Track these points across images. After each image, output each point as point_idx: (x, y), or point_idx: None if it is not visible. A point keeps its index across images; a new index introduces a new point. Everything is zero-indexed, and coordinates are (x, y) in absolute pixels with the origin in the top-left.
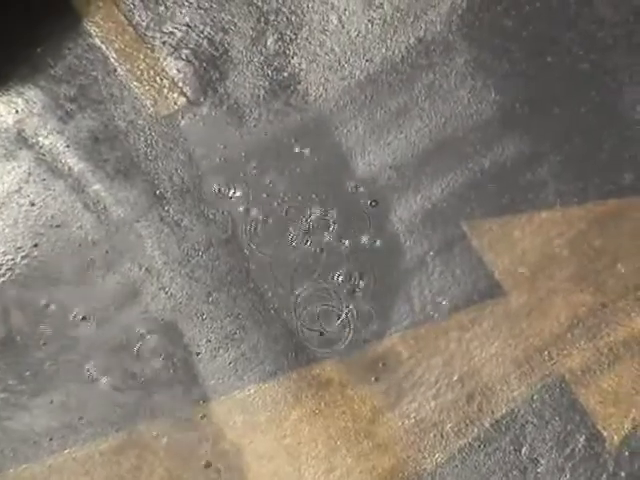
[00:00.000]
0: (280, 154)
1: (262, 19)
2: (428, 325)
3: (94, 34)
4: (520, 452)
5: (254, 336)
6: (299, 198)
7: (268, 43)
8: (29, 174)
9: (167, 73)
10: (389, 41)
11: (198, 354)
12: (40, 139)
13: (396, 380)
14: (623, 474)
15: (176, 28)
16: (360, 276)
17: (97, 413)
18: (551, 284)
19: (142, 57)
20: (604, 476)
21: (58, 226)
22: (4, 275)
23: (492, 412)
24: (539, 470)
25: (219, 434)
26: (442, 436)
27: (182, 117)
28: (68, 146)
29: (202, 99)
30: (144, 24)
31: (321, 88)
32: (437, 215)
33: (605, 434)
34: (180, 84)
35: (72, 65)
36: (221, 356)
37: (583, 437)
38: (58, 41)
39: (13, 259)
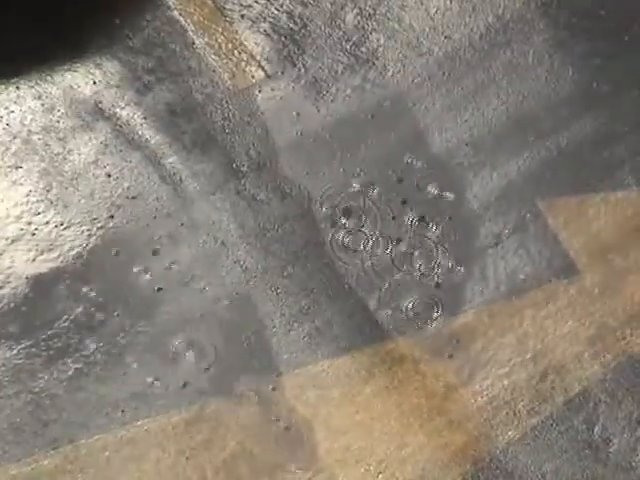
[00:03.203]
0: (356, 129)
1: None
2: (502, 303)
3: (173, 6)
4: (592, 431)
5: (328, 311)
6: (375, 174)
7: (347, 18)
8: (106, 146)
9: (245, 46)
10: (468, 18)
11: (272, 328)
12: (117, 111)
13: (470, 357)
14: None
15: (255, 1)
16: (436, 253)
17: (169, 386)
18: (626, 263)
19: (220, 30)
20: None
21: (134, 198)
22: (80, 246)
23: (565, 391)
24: (611, 450)
25: (291, 408)
26: (515, 414)
27: (259, 91)
28: (145, 118)
29: (280, 73)
30: None
31: (399, 64)
32: (513, 193)
33: None
34: (258, 58)
35: (150, 37)
36: (295, 330)
37: None
38: (136, 12)
39: (89, 230)
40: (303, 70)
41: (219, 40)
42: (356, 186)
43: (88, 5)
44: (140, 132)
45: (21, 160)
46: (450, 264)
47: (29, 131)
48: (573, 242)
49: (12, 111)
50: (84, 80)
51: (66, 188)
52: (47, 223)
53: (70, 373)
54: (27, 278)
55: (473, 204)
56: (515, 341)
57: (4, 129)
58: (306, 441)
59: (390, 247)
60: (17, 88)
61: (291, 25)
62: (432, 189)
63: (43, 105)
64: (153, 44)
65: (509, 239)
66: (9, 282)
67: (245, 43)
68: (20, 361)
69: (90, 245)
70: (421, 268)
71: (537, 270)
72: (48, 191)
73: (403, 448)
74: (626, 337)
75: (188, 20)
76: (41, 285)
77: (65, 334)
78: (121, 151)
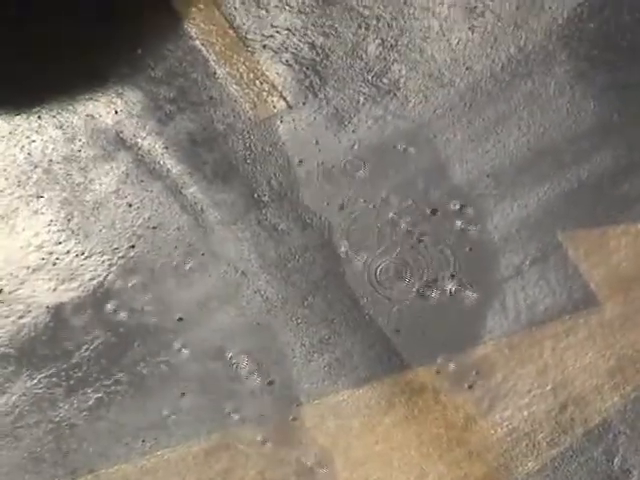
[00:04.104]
0: (378, 160)
1: (363, 25)
2: (522, 334)
3: (195, 36)
4: (612, 462)
5: (348, 341)
6: (396, 204)
7: (369, 49)
8: (127, 175)
9: (267, 77)
10: (489, 49)
11: (292, 358)
12: (139, 140)
13: (489, 388)
14: None
15: (277, 32)
16: (455, 283)
17: (189, 415)
18: None
19: (242, 60)
20: None
21: (155, 227)
22: (101, 275)
23: (585, 422)
24: None
25: (311, 438)
26: (534, 445)
27: (281, 121)
28: (166, 148)
29: (301, 103)
30: (245, 27)
31: (421, 95)
32: (533, 224)
33: None
34: (280, 88)
35: (172, 67)
36: (315, 360)
37: None
38: (159, 42)
39: (110, 260)
40: (325, 101)
41: (241, 70)
42: (376, 217)
43: (110, 35)
44: (161, 162)
45: (42, 189)
46: (470, 295)
47: (50, 160)
48: (594, 274)
49: (33, 140)
50: (106, 110)
51: (87, 218)
52: (68, 252)
53: (90, 403)
54: (48, 307)
55: (494, 235)
56: (535, 372)
57: (25, 158)
58: (326, 471)
59: (410, 277)
60: (39, 117)
61: (313, 56)
62: (453, 220)
63: (64, 134)
64: (175, 74)
65: (529, 270)
66: (30, 311)
67: (267, 73)
68: (40, 390)
69: (111, 275)
70: (441, 298)
71: (557, 301)
72: (69, 220)
73: (423, 478)
74: None
75: (210, 50)
76: (62, 314)
77: (86, 364)
78: (142, 181)
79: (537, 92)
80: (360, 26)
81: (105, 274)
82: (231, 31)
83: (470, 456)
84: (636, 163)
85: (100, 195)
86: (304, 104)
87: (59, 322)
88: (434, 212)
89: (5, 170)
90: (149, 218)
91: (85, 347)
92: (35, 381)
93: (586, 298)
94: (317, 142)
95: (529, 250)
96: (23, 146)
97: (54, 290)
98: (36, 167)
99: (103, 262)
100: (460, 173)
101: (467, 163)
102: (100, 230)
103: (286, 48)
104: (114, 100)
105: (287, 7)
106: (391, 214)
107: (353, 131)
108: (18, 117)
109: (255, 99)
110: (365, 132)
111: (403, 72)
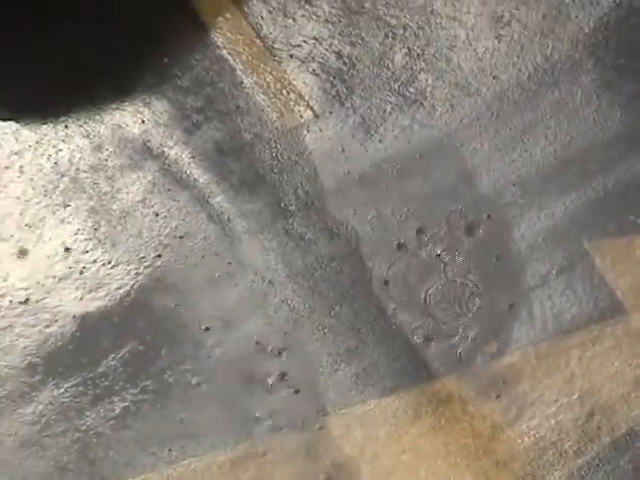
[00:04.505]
0: (404, 169)
1: (390, 34)
2: (549, 343)
3: (221, 45)
4: (639, 471)
5: (375, 351)
6: (422, 213)
7: (395, 58)
8: (154, 184)
9: (294, 86)
10: (516, 58)
11: (319, 367)
12: (165, 150)
13: (516, 397)
14: None
15: (304, 41)
16: (482, 293)
17: (216, 424)
18: None
19: (269, 69)
20: None
21: (182, 237)
22: (127, 284)
23: (611, 431)
24: None
25: (338, 448)
26: (561, 454)
27: (308, 130)
28: (193, 157)
29: (328, 113)
30: (272, 36)
31: (447, 104)
32: (560, 233)
33: None
34: (307, 97)
35: (199, 76)
36: (342, 370)
37: None
38: (185, 52)
39: (136, 269)
40: (351, 110)
41: (268, 79)
42: (403, 225)
43: (137, 44)
44: (188, 171)
45: (69, 198)
46: (497, 304)
47: (77, 170)
48: (620, 283)
49: (60, 150)
50: (132, 119)
51: (114, 227)
52: (95, 262)
53: (117, 411)
54: (74, 316)
55: (520, 244)
56: (562, 381)
57: (52, 167)
58: None
59: (437, 286)
60: (66, 127)
61: (340, 65)
62: (480, 229)
63: (91, 144)
64: (202, 83)
65: (556, 279)
66: (56, 320)
67: (294, 82)
68: (67, 399)
69: (137, 284)
70: (468, 308)
71: (584, 311)
72: (96, 230)
73: None
74: None
75: (237, 59)
76: (88, 323)
77: (112, 372)
78: (169, 190)
79: (564, 101)
80: (387, 35)
81: (132, 283)
82: (258, 40)
83: (497, 465)
84: None
85: (127, 204)
86: (331, 113)
87: (85, 331)
88: (461, 221)
89: (32, 179)
90: (176, 227)
91: (112, 356)
92: (62, 390)
93: (612, 307)
94: (343, 151)
95: (556, 259)
96: (50, 155)
97: (81, 299)
98: (63, 176)
99: (130, 271)
100: (487, 182)
101: (494, 172)
102: (127, 239)
103: (313, 57)
104: (141, 109)
105: (314, 16)
106: (418, 223)
107: (380, 140)
108: (45, 126)
109: (282, 108)
110: (392, 141)
111: (430, 81)
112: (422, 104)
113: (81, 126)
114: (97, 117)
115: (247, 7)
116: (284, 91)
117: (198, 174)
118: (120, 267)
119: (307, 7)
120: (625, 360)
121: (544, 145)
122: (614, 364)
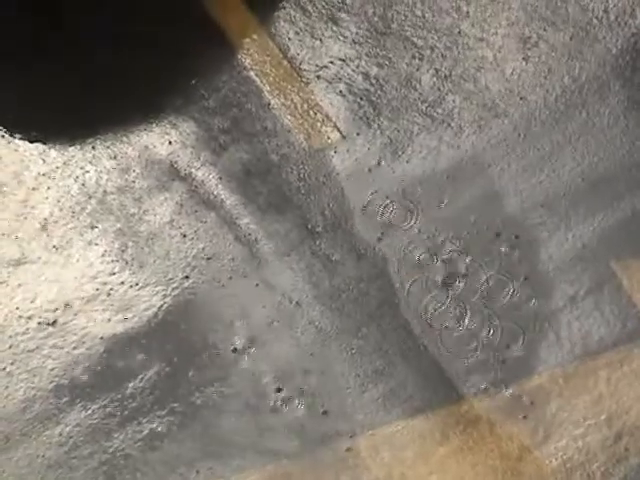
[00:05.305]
0: (432, 190)
1: (417, 55)
2: (577, 364)
3: (249, 67)
4: None
5: (402, 372)
6: (450, 235)
7: (423, 79)
8: (181, 206)
9: (321, 107)
10: (543, 79)
11: (347, 388)
12: (193, 171)
13: (544, 418)
14: None
15: (331, 62)
16: (510, 314)
17: (244, 446)
18: None
19: (296, 90)
20: None
21: (209, 258)
22: (155, 306)
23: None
24: None
25: (366, 468)
26: (589, 476)
27: (335, 152)
28: (220, 178)
29: (355, 134)
30: (299, 57)
31: (475, 125)
32: (587, 254)
33: None
34: (334, 118)
35: (226, 97)
36: (369, 391)
37: None
38: (212, 73)
39: (164, 290)
40: (379, 131)
41: (295, 101)
42: (431, 247)
43: (164, 66)
44: (215, 192)
45: (96, 220)
46: (525, 325)
47: (104, 191)
48: None
49: (87, 171)
50: (160, 140)
51: (141, 248)
52: (122, 283)
53: (145, 433)
54: (102, 338)
55: (548, 265)
56: (589, 402)
57: (80, 189)
58: None
59: (464, 306)
60: (93, 148)
61: (367, 86)
62: (507, 250)
63: (119, 165)
64: (229, 104)
65: (584, 300)
66: (84, 342)
67: (321, 104)
68: (95, 421)
69: (165, 305)
70: (496, 328)
71: (611, 332)
72: (123, 251)
73: None
74: None
75: (264, 81)
76: (116, 345)
77: (140, 394)
78: (196, 211)
79: (591, 122)
80: (414, 56)
81: (159, 305)
82: (285, 61)
83: None
84: None
85: (154, 226)
86: (358, 134)
87: (113, 353)
88: (488, 242)
89: (59, 201)
90: (203, 249)
91: (139, 377)
92: (89, 412)
93: None
94: (370, 172)
95: (583, 280)
96: (77, 177)
97: (108, 321)
98: (90, 198)
99: (157, 293)
100: (514, 203)
101: (521, 193)
102: (154, 261)
103: (340, 78)
104: (168, 131)
105: (341, 37)
106: (445, 244)
107: (407, 161)
108: (72, 148)
109: (309, 129)
110: (419, 162)
111: (457, 102)
112: (449, 125)
113: (108, 147)
114: (124, 139)
115: (274, 28)
116: (311, 112)
117: (225, 195)
118: (148, 289)
119: (334, 28)
120: None
121: (572, 166)
122: None
